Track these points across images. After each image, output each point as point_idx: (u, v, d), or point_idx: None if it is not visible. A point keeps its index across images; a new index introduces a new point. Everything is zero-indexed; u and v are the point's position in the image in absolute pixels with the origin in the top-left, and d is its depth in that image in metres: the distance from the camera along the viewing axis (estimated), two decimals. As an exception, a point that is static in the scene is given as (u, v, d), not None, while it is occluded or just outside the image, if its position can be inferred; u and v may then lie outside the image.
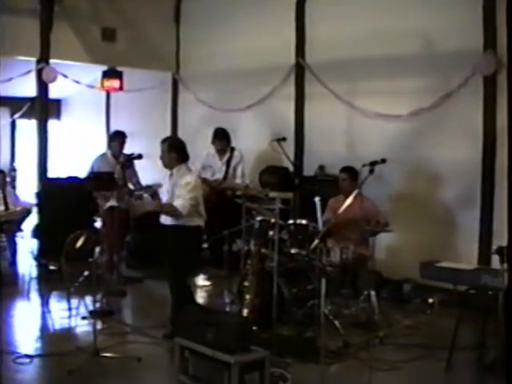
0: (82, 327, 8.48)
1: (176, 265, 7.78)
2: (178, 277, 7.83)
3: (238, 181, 10.98)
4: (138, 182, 10.57)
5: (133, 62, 12.71)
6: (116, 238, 10.14)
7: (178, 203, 7.63)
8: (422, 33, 9.69)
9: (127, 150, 10.52)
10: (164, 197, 7.95)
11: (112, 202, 9.87)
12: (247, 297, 7.94)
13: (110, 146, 10.92)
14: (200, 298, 10.00)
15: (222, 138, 11.30)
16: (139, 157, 7.78)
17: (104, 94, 14.90)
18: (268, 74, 11.59)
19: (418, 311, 9.11)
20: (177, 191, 7.72)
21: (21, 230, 11.80)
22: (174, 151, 7.86)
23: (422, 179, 9.86)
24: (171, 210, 7.69)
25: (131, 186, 10.10)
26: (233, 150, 11.37)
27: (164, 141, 7.99)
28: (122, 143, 10.78)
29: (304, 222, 8.33)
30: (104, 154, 10.96)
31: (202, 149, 11.65)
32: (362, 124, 10.48)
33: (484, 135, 9.13)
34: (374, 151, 9.16)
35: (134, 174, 10.48)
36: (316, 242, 7.15)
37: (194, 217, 7.79)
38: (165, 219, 7.88)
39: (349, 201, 7.26)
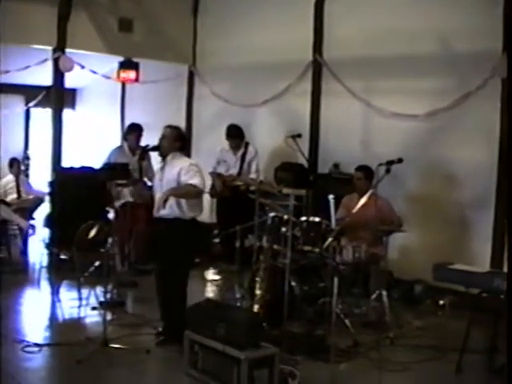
0: (92, 317, 8.51)
1: (169, 259, 7.51)
2: (171, 271, 7.54)
3: (253, 176, 10.94)
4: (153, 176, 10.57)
5: (149, 54, 12.68)
6: (129, 231, 10.17)
7: (193, 181, 7.30)
8: (441, 33, 9.64)
9: (142, 141, 10.54)
10: (157, 188, 7.64)
11: (127, 198, 9.93)
12: (258, 292, 7.93)
13: (126, 139, 10.91)
14: (211, 292, 10.02)
15: (234, 136, 11.28)
16: (155, 148, 7.72)
17: (119, 84, 14.89)
18: (285, 69, 11.56)
19: (429, 313, 9.09)
20: (182, 175, 7.35)
21: (33, 219, 11.85)
22: (180, 140, 7.66)
23: (437, 180, 9.82)
24: (191, 192, 7.34)
25: (146, 180, 10.15)
26: (247, 145, 11.35)
27: (171, 127, 7.75)
28: (139, 136, 10.76)
29: (317, 219, 8.32)
30: (121, 147, 10.96)
31: (216, 143, 11.66)
32: (378, 123, 10.43)
33: (500, 137, 9.08)
34: (389, 150, 9.12)
35: (150, 166, 10.45)
36: (330, 240, 7.14)
37: (190, 209, 7.51)
38: (158, 212, 7.52)
39: (363, 200, 7.24)
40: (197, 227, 7.67)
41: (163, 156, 7.66)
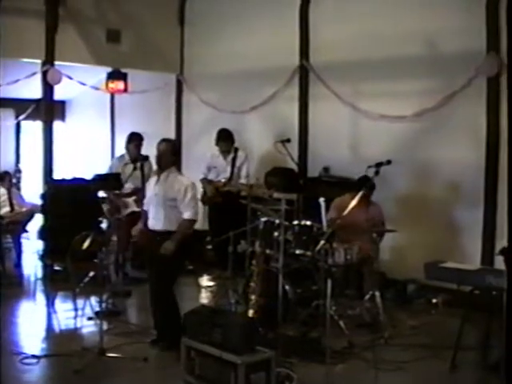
0: (88, 327, 8.53)
1: (162, 269, 7.57)
2: (164, 282, 7.62)
3: (243, 181, 10.99)
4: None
5: (137, 64, 12.73)
6: (127, 241, 10.21)
7: (188, 214, 7.49)
8: (425, 34, 9.72)
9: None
10: (152, 202, 7.71)
11: (133, 208, 9.99)
12: (252, 297, 7.96)
13: (127, 149, 10.81)
14: (205, 298, 10.05)
15: (226, 139, 11.32)
16: (145, 158, 7.77)
17: (109, 95, 14.93)
18: (272, 75, 11.61)
19: (422, 311, 9.15)
20: (180, 200, 7.50)
21: (26, 231, 11.86)
22: (175, 154, 7.80)
23: (427, 180, 9.88)
24: (189, 227, 7.59)
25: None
26: (237, 150, 11.39)
27: (166, 141, 7.82)
28: (139, 145, 10.67)
29: (309, 222, 8.37)
30: (122, 156, 10.94)
31: (206, 150, 11.69)
32: (366, 125, 10.50)
33: (487, 136, 9.16)
34: (377, 152, 9.21)
35: (143, 176, 10.48)
36: (322, 243, 7.19)
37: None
38: (154, 225, 7.65)
39: (354, 202, 7.29)
40: (191, 238, 7.77)
41: (160, 171, 7.71)
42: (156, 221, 7.66)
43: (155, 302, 7.76)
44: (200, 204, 10.83)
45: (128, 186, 9.99)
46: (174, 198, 7.52)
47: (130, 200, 10.21)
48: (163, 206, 7.56)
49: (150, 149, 7.88)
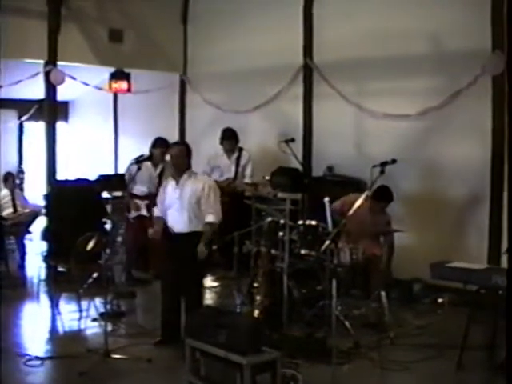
0: (92, 329, 8.51)
1: (195, 270, 7.70)
2: (196, 282, 7.78)
3: (247, 180, 10.98)
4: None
5: (140, 64, 12.72)
6: (133, 243, 10.20)
7: (211, 217, 7.57)
8: (430, 33, 9.70)
9: (136, 152, 10.52)
10: (173, 205, 7.73)
11: (142, 212, 9.99)
12: (257, 298, 7.96)
13: (151, 153, 10.45)
14: (210, 299, 10.03)
15: (230, 138, 11.32)
16: (148, 159, 7.75)
17: (112, 95, 14.92)
18: (276, 74, 11.59)
19: (428, 311, 9.12)
20: (203, 200, 7.57)
21: (29, 233, 11.86)
22: (190, 157, 7.77)
23: (431, 179, 9.86)
24: (214, 229, 7.71)
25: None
26: (241, 149, 11.39)
27: (178, 145, 7.89)
28: (163, 153, 10.41)
29: (314, 222, 8.35)
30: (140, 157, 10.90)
31: (209, 150, 11.67)
32: (370, 124, 10.47)
33: (493, 134, 9.14)
34: (382, 151, 9.17)
35: (149, 177, 10.50)
36: (327, 243, 7.15)
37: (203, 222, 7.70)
38: (178, 228, 7.69)
39: (359, 202, 7.24)
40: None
41: (178, 175, 7.70)
42: (179, 224, 7.69)
43: (172, 301, 7.82)
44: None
45: (138, 188, 10.02)
46: (198, 199, 7.58)
47: (142, 204, 10.20)
48: (187, 208, 7.60)
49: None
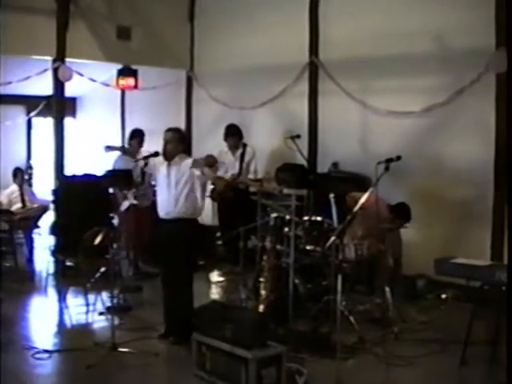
0: (100, 323, 8.59)
1: (175, 260, 7.67)
2: (176, 273, 7.71)
3: (251, 176, 11.04)
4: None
5: (147, 60, 12.78)
6: (135, 235, 10.25)
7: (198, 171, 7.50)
8: (435, 30, 9.72)
9: (145, 146, 10.66)
10: (162, 184, 7.75)
11: (131, 201, 10.03)
12: (263, 293, 8.00)
13: (129, 144, 11.03)
14: (216, 294, 10.09)
15: (234, 134, 11.38)
16: (155, 154, 7.80)
17: (119, 91, 14.98)
18: (282, 71, 11.63)
19: (431, 307, 9.15)
20: (188, 171, 7.54)
21: (38, 227, 11.93)
22: (183, 142, 7.79)
23: (436, 175, 9.89)
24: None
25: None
26: (245, 146, 11.45)
27: (173, 130, 7.83)
28: (141, 142, 10.90)
29: (319, 218, 8.40)
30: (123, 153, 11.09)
31: (215, 146, 11.70)
32: (375, 121, 10.51)
33: (496, 131, 9.17)
34: (386, 148, 9.24)
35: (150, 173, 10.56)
36: (332, 238, 7.20)
37: (197, 209, 7.68)
38: (164, 212, 7.67)
39: (364, 198, 7.29)
40: (199, 228, 7.84)
41: (169, 160, 7.72)
42: (166, 208, 7.67)
43: (167, 294, 7.82)
44: (209, 200, 10.98)
45: None
46: (187, 177, 7.57)
47: (129, 193, 10.21)
48: (174, 187, 7.59)
49: (161, 144, 7.89)
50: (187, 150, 7.88)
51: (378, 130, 10.54)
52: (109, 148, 8.26)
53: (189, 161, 7.60)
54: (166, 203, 7.67)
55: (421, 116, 9.83)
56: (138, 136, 10.98)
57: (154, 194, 9.02)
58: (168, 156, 7.72)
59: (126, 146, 11.21)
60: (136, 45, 12.64)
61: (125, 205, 10.15)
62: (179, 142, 7.73)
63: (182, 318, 7.59)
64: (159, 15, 12.75)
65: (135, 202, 10.12)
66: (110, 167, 10.57)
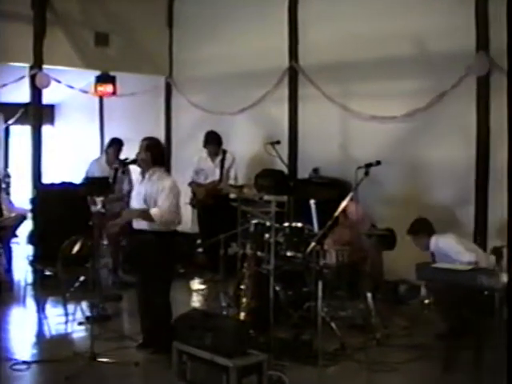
0: (79, 333, 8.50)
1: (148, 272, 7.56)
2: (150, 284, 7.58)
3: (231, 182, 10.98)
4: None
5: (126, 67, 12.71)
6: (109, 243, 10.15)
7: (153, 211, 7.32)
8: (416, 34, 9.74)
9: (122, 154, 10.58)
10: (134, 201, 7.71)
11: (98, 208, 9.89)
12: (244, 300, 7.94)
13: (106, 152, 11.04)
14: (196, 301, 10.03)
15: (213, 141, 11.32)
16: (134, 161, 7.72)
17: (97, 98, 14.89)
18: (261, 77, 11.61)
19: (414, 312, 9.12)
20: (154, 196, 7.42)
21: (16, 236, 11.80)
22: (149, 150, 7.59)
23: (417, 180, 9.89)
24: (146, 217, 7.38)
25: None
26: (225, 152, 11.39)
27: (144, 139, 7.73)
28: (118, 150, 10.92)
29: (300, 224, 8.35)
30: (98, 159, 11.09)
31: (195, 152, 11.67)
32: (356, 126, 10.51)
33: (478, 135, 9.19)
34: (368, 153, 9.21)
35: (129, 180, 10.49)
36: (313, 244, 7.16)
37: (170, 224, 7.53)
38: (137, 224, 7.58)
39: (344, 204, 7.26)
40: (173, 239, 7.64)
41: (143, 169, 7.65)
42: (136, 220, 7.60)
43: (143, 304, 7.74)
44: (189, 207, 10.92)
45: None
46: (155, 199, 7.42)
47: (98, 200, 10.09)
48: (146, 205, 7.47)
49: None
50: (159, 159, 7.68)
51: (358, 135, 10.53)
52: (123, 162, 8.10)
53: (160, 186, 7.44)
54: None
55: (402, 120, 9.85)
56: (115, 145, 11.00)
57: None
58: (140, 165, 7.66)
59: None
60: (114, 51, 12.57)
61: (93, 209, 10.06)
62: (146, 150, 7.58)
63: (159, 329, 7.51)
64: (137, 21, 12.68)
65: (102, 210, 9.95)
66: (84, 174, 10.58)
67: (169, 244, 7.53)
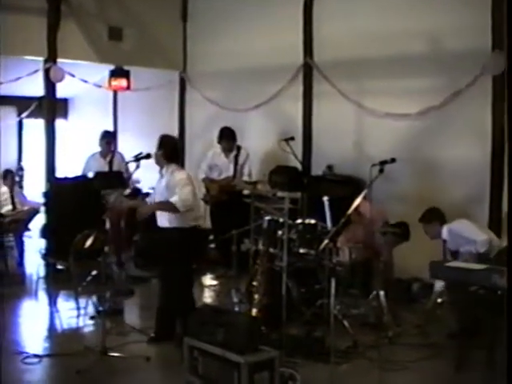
0: (91, 327, 8.52)
1: (171, 267, 7.68)
2: (172, 279, 7.71)
3: (246, 178, 10.97)
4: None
5: (140, 61, 12.71)
6: (122, 237, 10.16)
7: (173, 199, 7.47)
8: (431, 32, 9.69)
9: (135, 149, 10.52)
10: (155, 198, 7.86)
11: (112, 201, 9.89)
12: (256, 296, 7.94)
13: (100, 146, 11.35)
14: (208, 297, 10.01)
15: (228, 137, 11.30)
16: (147, 156, 7.73)
17: (111, 93, 14.88)
18: (276, 73, 11.56)
19: (427, 311, 9.08)
20: (172, 189, 7.57)
21: (28, 230, 11.84)
22: (162, 149, 7.75)
23: (431, 178, 9.85)
24: (168, 207, 7.52)
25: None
26: (239, 148, 11.37)
27: (161, 137, 7.89)
28: (108, 142, 11.27)
29: (313, 221, 8.33)
30: (94, 155, 11.23)
31: (209, 147, 11.66)
32: (371, 123, 10.46)
33: (493, 134, 9.14)
34: (382, 150, 9.15)
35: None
36: (326, 242, 7.14)
37: (188, 218, 7.64)
38: (160, 221, 7.73)
39: (357, 201, 7.22)
40: (194, 235, 7.77)
41: (160, 167, 7.81)
42: (159, 217, 7.72)
43: (163, 298, 7.79)
44: (202, 203, 10.90)
45: None
46: (173, 191, 7.55)
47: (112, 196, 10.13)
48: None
49: (154, 146, 7.83)
50: (173, 155, 7.80)
51: (373, 133, 10.49)
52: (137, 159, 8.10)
53: (172, 180, 7.61)
54: (159, 215, 7.74)
55: (416, 118, 9.79)
56: (107, 137, 11.40)
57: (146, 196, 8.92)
58: (157, 164, 7.82)
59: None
60: (128, 45, 12.56)
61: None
62: (160, 148, 7.76)
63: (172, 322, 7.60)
64: (151, 15, 12.68)
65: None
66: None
67: (187, 240, 7.63)
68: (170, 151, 7.75)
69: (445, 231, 8.30)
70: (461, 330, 7.24)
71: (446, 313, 8.29)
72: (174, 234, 7.61)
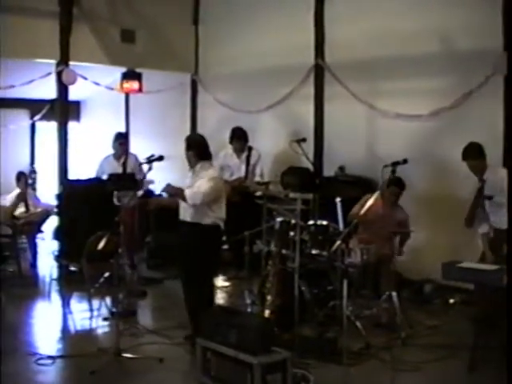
0: (104, 328, 8.53)
1: (192, 263, 7.66)
2: (193, 275, 7.70)
3: (257, 179, 10.98)
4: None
5: (152, 64, 12.75)
6: (135, 238, 10.19)
7: (187, 191, 7.56)
8: (442, 32, 9.68)
9: (147, 151, 10.54)
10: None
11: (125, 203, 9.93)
12: (268, 298, 7.95)
13: (113, 147, 11.25)
14: (221, 298, 10.02)
15: (240, 137, 11.33)
16: (160, 158, 7.75)
17: (123, 95, 14.91)
18: (287, 74, 11.57)
19: (439, 312, 9.09)
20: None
21: (41, 232, 11.87)
22: (192, 149, 7.80)
23: (443, 179, 9.83)
24: (181, 196, 7.60)
25: None
26: (250, 149, 11.39)
27: (185, 139, 7.98)
28: (121, 144, 11.17)
29: (325, 222, 8.33)
30: (107, 157, 11.22)
31: (220, 149, 11.66)
32: (382, 124, 10.46)
33: (505, 134, 9.10)
34: (394, 151, 9.17)
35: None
36: (338, 243, 7.14)
37: (209, 215, 7.65)
38: (183, 215, 7.77)
39: (371, 201, 7.24)
40: (217, 233, 7.83)
41: (190, 166, 7.87)
42: (185, 212, 7.74)
43: (187, 297, 7.81)
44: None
45: None
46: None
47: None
48: None
49: (166, 148, 7.88)
50: (202, 154, 7.83)
51: (384, 133, 10.49)
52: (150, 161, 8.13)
53: (201, 178, 7.64)
54: (185, 208, 7.77)
55: (428, 119, 9.78)
56: (120, 139, 11.28)
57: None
58: (189, 164, 7.88)
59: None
60: (140, 48, 12.62)
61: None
62: (189, 149, 7.83)
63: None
64: (163, 18, 12.72)
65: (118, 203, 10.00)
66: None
67: (211, 237, 7.70)
68: (203, 149, 7.84)
69: (490, 171, 8.09)
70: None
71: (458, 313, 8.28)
72: (195, 229, 7.63)
